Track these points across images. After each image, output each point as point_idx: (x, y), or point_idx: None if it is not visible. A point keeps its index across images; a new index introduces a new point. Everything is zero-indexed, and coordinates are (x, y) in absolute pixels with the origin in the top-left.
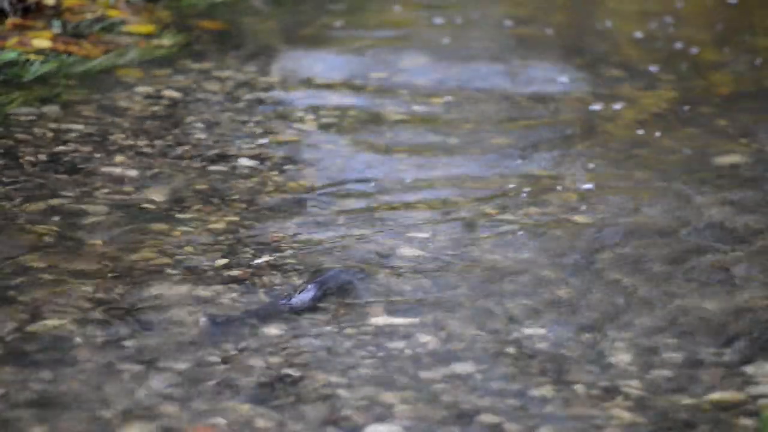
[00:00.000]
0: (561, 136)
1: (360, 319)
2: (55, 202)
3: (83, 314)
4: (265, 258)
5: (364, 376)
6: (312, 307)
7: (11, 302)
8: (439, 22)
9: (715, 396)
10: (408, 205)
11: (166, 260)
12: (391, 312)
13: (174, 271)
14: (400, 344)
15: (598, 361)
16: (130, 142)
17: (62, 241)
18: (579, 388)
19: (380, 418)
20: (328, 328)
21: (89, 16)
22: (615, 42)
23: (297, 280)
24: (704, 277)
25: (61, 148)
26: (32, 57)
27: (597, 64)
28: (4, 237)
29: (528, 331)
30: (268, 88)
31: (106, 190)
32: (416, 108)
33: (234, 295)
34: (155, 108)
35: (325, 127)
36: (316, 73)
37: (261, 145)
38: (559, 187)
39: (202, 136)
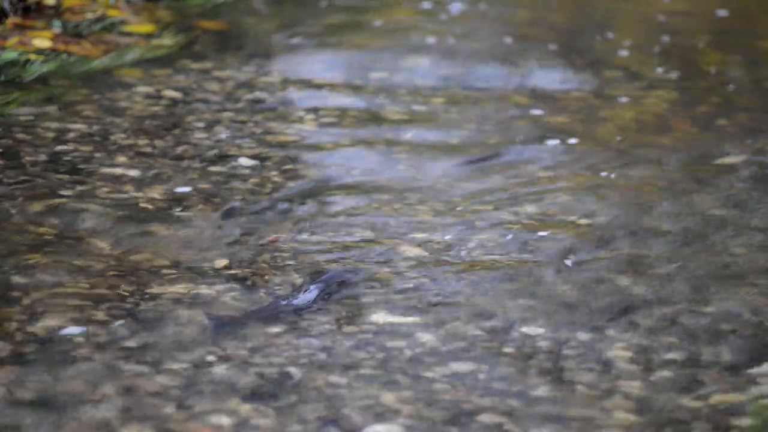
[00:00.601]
0: (561, 135)
1: (360, 319)
2: (55, 201)
3: (83, 314)
4: (266, 254)
5: (364, 375)
6: (314, 307)
7: (11, 302)
8: (438, 22)
9: (716, 396)
10: (408, 205)
11: (166, 260)
12: (391, 311)
13: (174, 271)
14: (400, 344)
15: (598, 361)
16: (130, 141)
17: (62, 241)
18: (579, 388)
19: (380, 418)
20: (329, 327)
21: (89, 16)
22: (615, 42)
23: (297, 280)
24: (704, 276)
25: (62, 147)
26: (33, 57)
27: (597, 64)
28: (5, 237)
29: (528, 330)
30: (268, 88)
31: (106, 190)
32: (416, 108)
33: (234, 294)
34: (155, 108)
35: (325, 127)
36: (316, 73)
37: (261, 145)
38: (559, 187)
39: (202, 135)
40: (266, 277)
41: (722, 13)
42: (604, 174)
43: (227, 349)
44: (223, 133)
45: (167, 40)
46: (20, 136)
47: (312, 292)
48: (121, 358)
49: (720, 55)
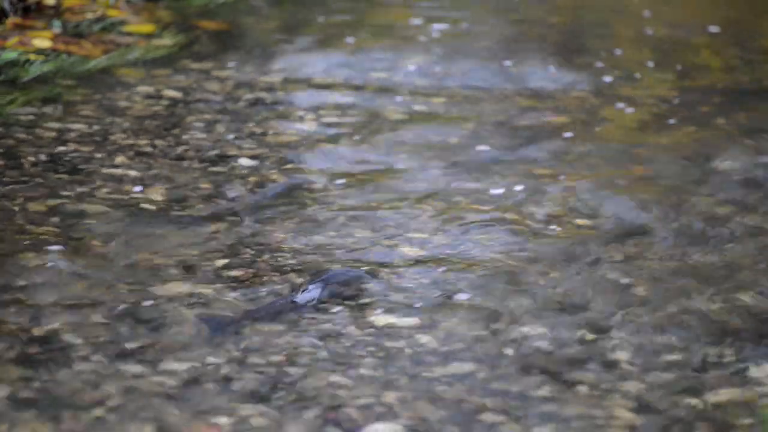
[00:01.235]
0: (561, 135)
1: (361, 319)
2: (55, 201)
3: (84, 314)
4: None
5: (364, 375)
6: (315, 307)
7: (12, 303)
8: (438, 22)
9: (716, 396)
10: (409, 205)
11: (166, 260)
12: (391, 311)
13: (174, 271)
14: (400, 344)
15: (598, 361)
16: (130, 141)
17: (63, 241)
18: (580, 388)
19: (380, 418)
20: (329, 327)
21: (89, 16)
22: (615, 42)
23: (298, 280)
24: (704, 276)
25: (62, 148)
26: (33, 57)
27: (597, 64)
28: (5, 236)
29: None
30: (268, 88)
31: (106, 190)
32: (416, 107)
33: (235, 294)
34: (155, 108)
35: (325, 127)
36: (316, 73)
37: (261, 145)
38: (558, 187)
39: (202, 135)
40: (267, 277)
41: (714, 29)
42: (603, 172)
43: (227, 349)
44: (223, 133)
45: (167, 40)
46: (20, 136)
47: (313, 291)
48: (121, 358)
49: (720, 54)
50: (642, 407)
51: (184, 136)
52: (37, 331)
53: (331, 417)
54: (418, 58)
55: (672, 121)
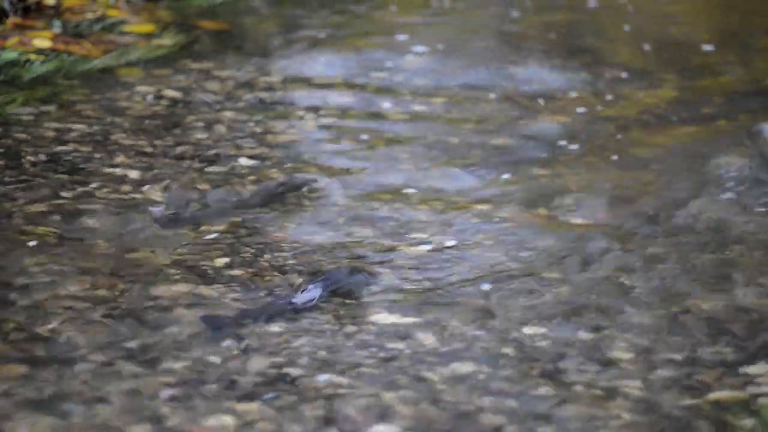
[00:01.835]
0: (560, 135)
1: (361, 318)
2: (55, 202)
3: (84, 314)
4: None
5: (364, 375)
6: (314, 307)
7: (12, 303)
8: (439, 22)
9: (716, 396)
10: (409, 205)
11: (166, 260)
12: (391, 311)
13: (175, 271)
14: (400, 344)
15: (598, 361)
16: (130, 141)
17: (63, 241)
18: (579, 388)
19: (380, 418)
20: (329, 327)
21: (90, 15)
22: (615, 42)
23: (298, 280)
24: (704, 276)
25: (62, 148)
26: (33, 57)
27: (597, 64)
28: (5, 237)
29: (528, 330)
30: (268, 88)
31: (106, 190)
32: (416, 108)
33: (235, 294)
34: (155, 108)
35: (325, 127)
36: (316, 73)
37: (261, 145)
38: (558, 187)
39: (203, 135)
40: (266, 277)
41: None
42: (603, 172)
43: (227, 349)
44: (223, 133)
45: (167, 40)
46: (20, 136)
47: (313, 291)
48: (121, 358)
49: (721, 54)
50: (642, 407)
51: (184, 136)
52: (36, 331)
53: (331, 417)
54: (419, 59)
55: (672, 120)
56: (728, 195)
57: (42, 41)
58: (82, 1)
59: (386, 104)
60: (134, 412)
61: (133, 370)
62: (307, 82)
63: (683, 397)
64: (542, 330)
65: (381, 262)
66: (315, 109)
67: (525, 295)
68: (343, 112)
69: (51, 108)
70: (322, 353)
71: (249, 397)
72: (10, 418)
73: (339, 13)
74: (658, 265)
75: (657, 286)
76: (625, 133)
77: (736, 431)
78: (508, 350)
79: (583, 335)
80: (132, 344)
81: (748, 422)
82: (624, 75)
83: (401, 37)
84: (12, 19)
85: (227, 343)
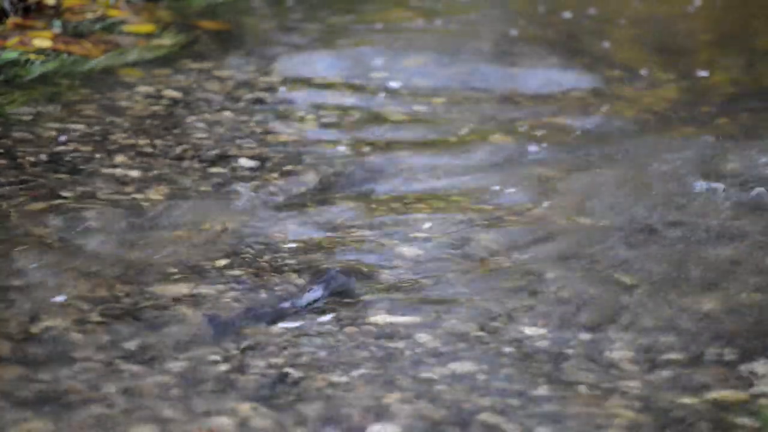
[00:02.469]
0: (560, 135)
1: (361, 318)
2: (55, 202)
3: (84, 314)
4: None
5: (364, 375)
6: (316, 307)
7: (12, 303)
8: (439, 22)
9: (716, 396)
10: (409, 206)
11: (166, 260)
12: (392, 311)
13: (175, 271)
14: (400, 344)
15: (598, 361)
16: (130, 141)
17: (63, 241)
18: (579, 388)
19: (380, 418)
20: (329, 327)
21: (90, 15)
22: (615, 42)
23: (298, 280)
24: (705, 276)
25: (62, 148)
26: (33, 57)
27: (597, 64)
28: (5, 237)
29: (528, 330)
30: (268, 88)
31: (106, 190)
32: (417, 108)
33: (235, 294)
34: (156, 108)
35: (325, 127)
36: (316, 73)
37: (261, 145)
38: (558, 187)
39: (203, 135)
40: (266, 277)
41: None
42: (603, 173)
43: (227, 349)
44: (223, 133)
45: (167, 40)
46: (20, 136)
47: (315, 292)
48: (121, 358)
49: (721, 54)
50: (642, 407)
51: (185, 136)
52: (35, 331)
53: (331, 417)
54: (419, 58)
55: (672, 120)
56: (729, 194)
57: (42, 41)
58: (82, 1)
59: (386, 104)
60: (134, 412)
61: (132, 370)
62: (307, 82)
63: (683, 397)
64: (542, 330)
65: (381, 261)
66: (315, 109)
67: (525, 294)
68: (344, 112)
69: (51, 108)
70: (323, 353)
71: (249, 397)
72: (8, 418)
73: (339, 13)
74: (659, 265)
75: (657, 285)
76: (626, 132)
77: (736, 431)
78: (508, 350)
79: (583, 335)
80: (132, 344)
81: (748, 422)
82: (623, 75)
83: (402, 37)
84: (12, 19)
85: (228, 342)
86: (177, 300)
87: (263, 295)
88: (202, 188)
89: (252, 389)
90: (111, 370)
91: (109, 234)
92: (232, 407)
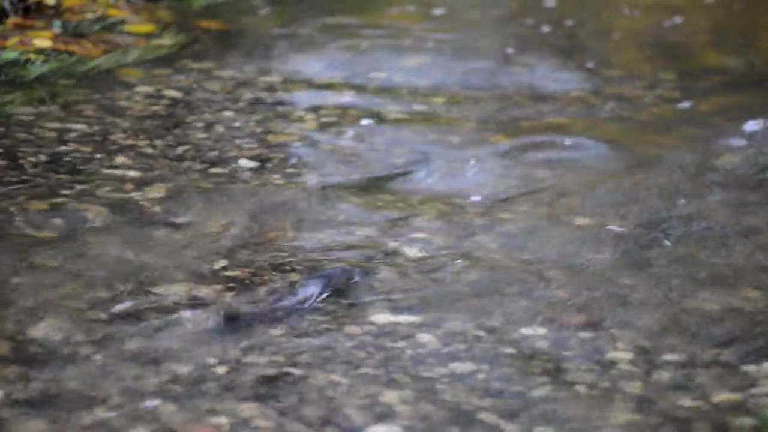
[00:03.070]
0: (561, 134)
1: (361, 318)
2: (55, 202)
3: (84, 315)
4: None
5: (364, 375)
6: (315, 307)
7: (12, 303)
8: (439, 22)
9: (715, 396)
10: (409, 205)
11: (166, 260)
12: (392, 311)
13: (174, 271)
14: (401, 344)
15: (598, 361)
16: (130, 142)
17: (63, 241)
18: (579, 388)
19: (380, 418)
20: (329, 327)
21: (90, 15)
22: (615, 41)
23: (298, 280)
24: (705, 276)
25: (62, 148)
26: (33, 57)
27: (597, 64)
28: (5, 237)
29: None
30: (268, 88)
31: (106, 189)
32: (417, 107)
33: (234, 294)
34: (156, 108)
35: (325, 127)
36: (316, 73)
37: (261, 145)
38: (558, 187)
39: (203, 136)
40: (266, 277)
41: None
42: (604, 173)
43: (227, 349)
44: (223, 133)
45: (167, 40)
46: (20, 136)
47: (313, 291)
48: (121, 359)
49: (721, 54)
50: (642, 407)
51: (185, 136)
52: (35, 331)
53: (331, 417)
54: (418, 59)
55: (673, 120)
56: (729, 194)
57: (42, 41)
58: (82, 1)
59: (386, 104)
60: (134, 412)
61: (132, 370)
62: (307, 82)
63: (683, 398)
64: (542, 330)
65: (381, 261)
66: (315, 109)
67: (525, 294)
68: (344, 111)
69: (51, 108)
70: (323, 353)
71: (249, 397)
72: (8, 419)
73: (339, 13)
74: (659, 265)
75: (657, 285)
76: (626, 132)
77: (736, 431)
78: (508, 350)
79: (584, 335)
80: (132, 344)
81: (748, 422)
82: (624, 75)
83: (401, 37)
84: (12, 19)
85: (228, 342)
86: (177, 300)
87: (261, 293)
88: (202, 188)
89: (252, 389)
90: (111, 370)
91: (110, 234)
92: (232, 407)
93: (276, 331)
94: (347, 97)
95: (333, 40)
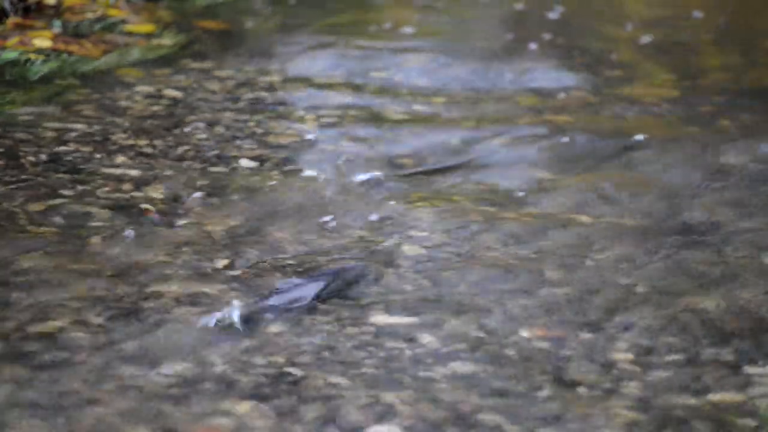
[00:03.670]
0: (561, 135)
1: (361, 318)
2: (55, 202)
3: (84, 315)
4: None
5: (364, 375)
6: (314, 306)
7: (12, 302)
8: (439, 22)
9: (716, 396)
10: (410, 206)
11: (166, 260)
12: (391, 311)
13: (175, 271)
14: (401, 344)
15: (598, 361)
16: (130, 141)
17: (63, 241)
18: (580, 388)
19: (380, 418)
20: (329, 327)
21: (90, 15)
22: (615, 41)
23: (298, 280)
24: (705, 276)
25: (62, 148)
26: (33, 57)
27: (597, 64)
28: (5, 237)
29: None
30: (268, 88)
31: (106, 190)
32: (417, 108)
33: (236, 294)
34: (156, 108)
35: (325, 127)
36: (316, 72)
37: (261, 145)
38: (558, 187)
39: (203, 136)
40: (267, 278)
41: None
42: (604, 173)
43: (227, 349)
44: (223, 133)
45: (167, 40)
46: (20, 136)
47: (312, 290)
48: (121, 359)
49: (721, 54)
50: (642, 407)
51: (185, 136)
52: (35, 331)
53: (331, 417)
54: (419, 59)
55: (673, 120)
56: (730, 194)
57: (42, 41)
58: (82, 1)
59: (386, 104)
60: (134, 412)
61: (133, 370)
62: (307, 82)
63: (683, 398)
64: (542, 330)
65: (382, 261)
66: (315, 109)
67: (525, 294)
68: (344, 111)
69: (51, 108)
70: (323, 353)
71: (249, 396)
72: (9, 419)
73: (339, 13)
74: (659, 264)
75: (657, 285)
76: (626, 132)
77: (736, 431)
78: (508, 351)
79: (584, 335)
80: (132, 344)
81: (748, 422)
82: (623, 75)
83: (401, 37)
84: (12, 19)
85: (228, 342)
86: (178, 300)
87: (264, 292)
88: (203, 188)
89: (252, 389)
90: (111, 370)
91: (110, 234)
92: (232, 407)
93: (275, 331)
94: (347, 97)
95: (333, 40)
